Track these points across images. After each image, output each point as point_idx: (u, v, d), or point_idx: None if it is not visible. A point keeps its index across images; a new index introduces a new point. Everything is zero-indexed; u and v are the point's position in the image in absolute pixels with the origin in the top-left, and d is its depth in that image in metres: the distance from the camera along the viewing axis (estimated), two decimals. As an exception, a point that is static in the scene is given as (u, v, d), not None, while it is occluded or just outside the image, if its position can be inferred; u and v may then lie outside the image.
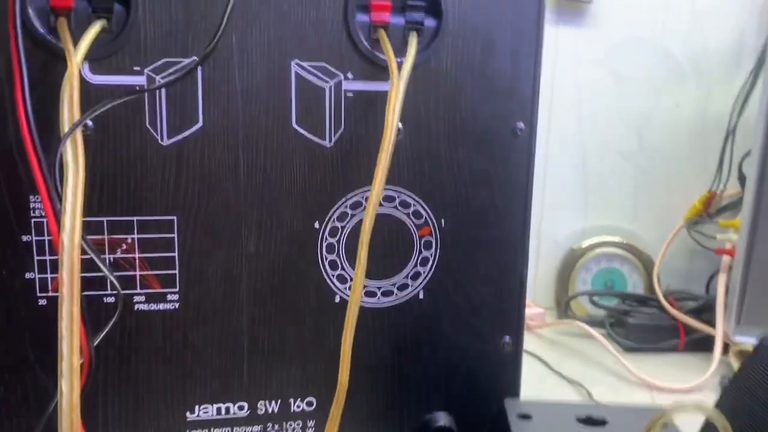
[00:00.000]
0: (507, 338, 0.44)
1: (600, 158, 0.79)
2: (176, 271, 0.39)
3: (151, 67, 0.37)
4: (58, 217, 0.32)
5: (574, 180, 0.80)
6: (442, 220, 0.42)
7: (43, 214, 0.37)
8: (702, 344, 0.68)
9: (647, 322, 0.71)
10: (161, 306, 0.40)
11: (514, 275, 0.43)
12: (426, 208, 0.42)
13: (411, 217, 0.42)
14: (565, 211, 0.80)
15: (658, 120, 0.78)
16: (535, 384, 0.61)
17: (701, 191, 0.76)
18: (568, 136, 0.78)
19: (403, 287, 0.42)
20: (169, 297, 0.40)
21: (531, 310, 0.76)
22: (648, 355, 0.69)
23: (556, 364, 0.66)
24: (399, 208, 0.42)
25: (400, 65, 0.39)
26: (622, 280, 0.79)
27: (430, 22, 0.40)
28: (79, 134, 0.33)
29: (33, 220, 0.37)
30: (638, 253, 0.79)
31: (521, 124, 0.42)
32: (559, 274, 0.81)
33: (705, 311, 0.71)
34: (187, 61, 0.38)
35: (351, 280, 0.41)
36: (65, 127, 0.33)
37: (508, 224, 0.43)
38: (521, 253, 0.43)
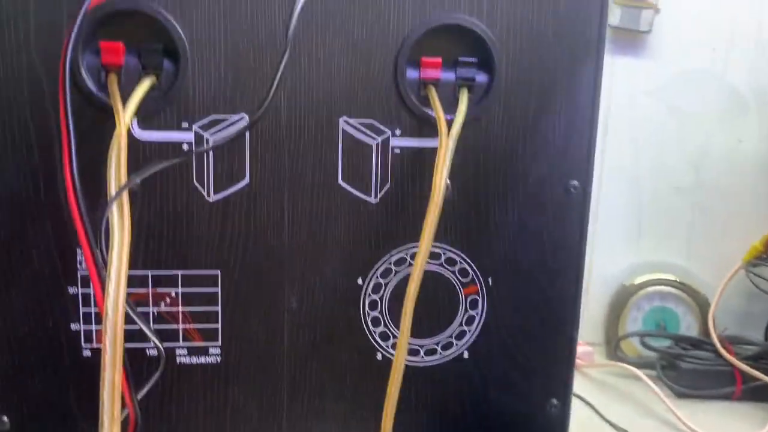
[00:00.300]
0: (554, 401, 0.42)
1: (655, 192, 0.76)
2: (219, 325, 0.39)
3: (199, 123, 0.37)
4: (102, 281, 0.32)
5: (628, 214, 0.77)
6: (490, 279, 0.41)
7: (90, 269, 0.37)
8: (760, 394, 0.65)
9: (701, 367, 0.68)
10: (203, 359, 0.39)
11: (564, 336, 0.42)
12: (473, 266, 0.41)
13: (457, 275, 0.41)
14: (617, 245, 0.78)
15: (717, 155, 0.75)
16: (578, 430, 0.59)
17: (762, 231, 0.73)
18: (623, 168, 0.76)
19: (447, 346, 0.41)
20: (211, 351, 0.39)
21: (579, 348, 0.74)
22: (701, 403, 0.66)
23: (603, 407, 0.63)
24: (445, 265, 0.41)
25: (449, 122, 0.38)
26: (675, 320, 0.76)
27: (481, 78, 0.39)
28: (125, 195, 0.33)
29: (80, 273, 0.37)
30: (693, 293, 0.75)
31: (575, 182, 0.40)
32: (609, 310, 0.78)
33: (764, 358, 0.67)
34: (235, 117, 0.37)
35: (393, 337, 0.41)
36: (112, 189, 0.33)
37: (559, 284, 0.41)
38: (572, 313, 0.42)
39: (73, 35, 0.33)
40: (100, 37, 0.36)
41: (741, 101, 0.74)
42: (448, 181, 0.39)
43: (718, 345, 0.69)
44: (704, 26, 0.73)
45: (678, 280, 0.76)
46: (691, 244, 0.78)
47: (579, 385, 0.69)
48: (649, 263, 0.78)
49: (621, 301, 0.77)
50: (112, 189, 0.33)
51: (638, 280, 0.77)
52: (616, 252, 0.78)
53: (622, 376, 0.71)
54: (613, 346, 0.75)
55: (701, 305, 0.75)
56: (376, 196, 0.39)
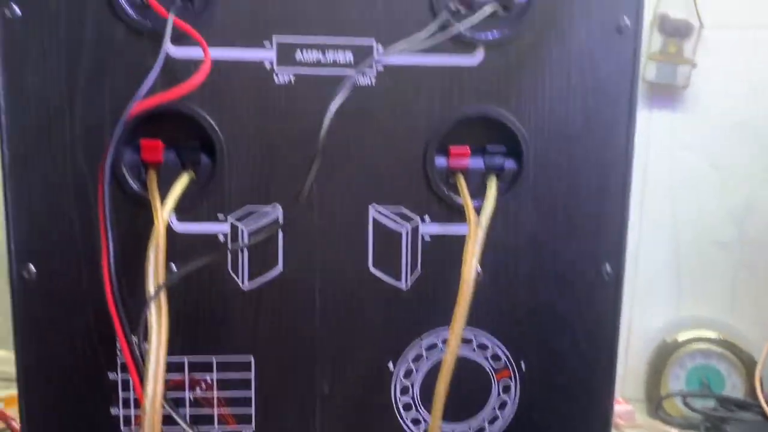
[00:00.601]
0: (590, 485, 0.41)
1: (696, 248, 0.75)
2: (252, 410, 0.40)
3: (235, 215, 0.38)
4: (140, 372, 0.34)
5: (668, 269, 0.75)
6: (522, 363, 0.41)
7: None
8: (811, 461, 0.62)
9: (748, 431, 0.66)
10: (237, 443, 0.40)
11: (598, 419, 0.41)
12: (505, 350, 0.40)
13: (489, 360, 0.41)
14: (657, 299, 0.76)
15: (760, 210, 0.73)
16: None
17: (810, 288, 0.70)
18: (661, 223, 0.74)
19: (479, 431, 0.41)
20: (245, 434, 0.40)
21: (620, 407, 0.72)
22: (749, 469, 0.64)
23: (645, 472, 0.62)
24: (476, 350, 0.40)
25: (478, 209, 0.38)
26: (719, 379, 0.74)
27: (510, 165, 0.39)
28: (163, 294, 0.34)
29: (119, 359, 0.39)
30: (738, 351, 0.73)
31: (608, 267, 0.40)
32: (650, 366, 0.77)
33: (814, 422, 0.65)
34: (268, 207, 0.38)
35: (425, 422, 0.41)
36: (150, 288, 0.34)
37: (593, 368, 0.41)
38: (606, 396, 0.41)
39: (113, 140, 0.34)
40: (140, 134, 0.37)
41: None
42: (479, 267, 0.39)
43: (766, 407, 0.67)
44: (743, 79, 0.72)
45: (721, 337, 0.74)
46: (735, 301, 0.75)
47: (620, 447, 0.67)
48: (691, 319, 0.76)
49: (663, 357, 0.75)
50: (150, 287, 0.34)
51: (681, 337, 0.75)
52: (657, 307, 0.76)
53: (665, 438, 0.69)
54: (654, 405, 0.73)
55: (747, 364, 0.73)
56: (406, 283, 0.40)
